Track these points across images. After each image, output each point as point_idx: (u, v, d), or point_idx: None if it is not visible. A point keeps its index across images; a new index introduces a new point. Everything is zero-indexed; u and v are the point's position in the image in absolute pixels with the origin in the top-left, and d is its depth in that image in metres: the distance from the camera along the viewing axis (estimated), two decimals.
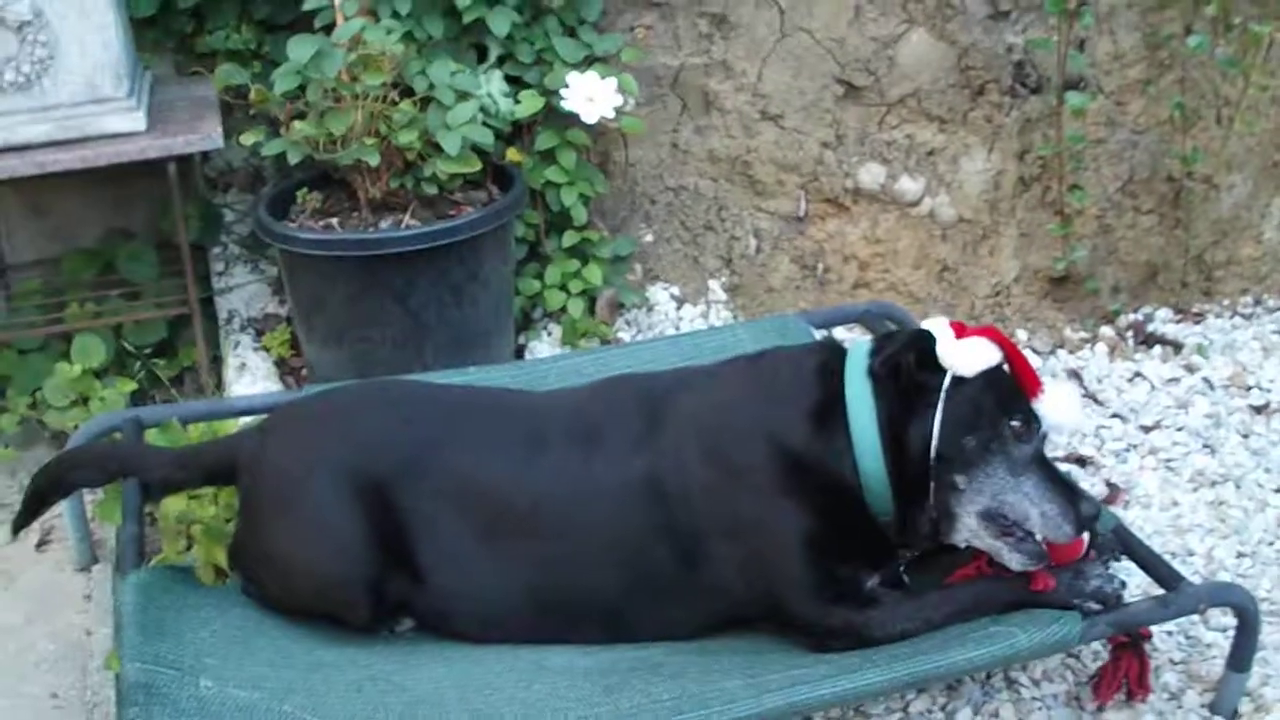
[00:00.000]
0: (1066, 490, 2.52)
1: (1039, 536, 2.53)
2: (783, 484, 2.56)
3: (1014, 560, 2.54)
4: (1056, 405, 2.58)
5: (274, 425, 2.83)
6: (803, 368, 2.66)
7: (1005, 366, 2.59)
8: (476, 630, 2.68)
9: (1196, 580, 2.94)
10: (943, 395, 2.50)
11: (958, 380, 2.52)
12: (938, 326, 2.58)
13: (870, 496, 2.56)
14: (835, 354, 2.67)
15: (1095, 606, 2.56)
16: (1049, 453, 2.63)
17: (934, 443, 2.50)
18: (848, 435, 2.55)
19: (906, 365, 2.53)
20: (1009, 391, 2.56)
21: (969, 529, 2.55)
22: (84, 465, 2.91)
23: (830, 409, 2.58)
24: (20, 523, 2.93)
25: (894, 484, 2.54)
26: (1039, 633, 2.47)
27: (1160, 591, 2.65)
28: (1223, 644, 2.84)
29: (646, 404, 2.70)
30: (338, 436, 2.71)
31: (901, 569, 2.68)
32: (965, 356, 2.52)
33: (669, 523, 2.60)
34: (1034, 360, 4.04)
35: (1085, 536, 2.61)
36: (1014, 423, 2.52)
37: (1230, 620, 2.82)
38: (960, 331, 2.58)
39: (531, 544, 2.64)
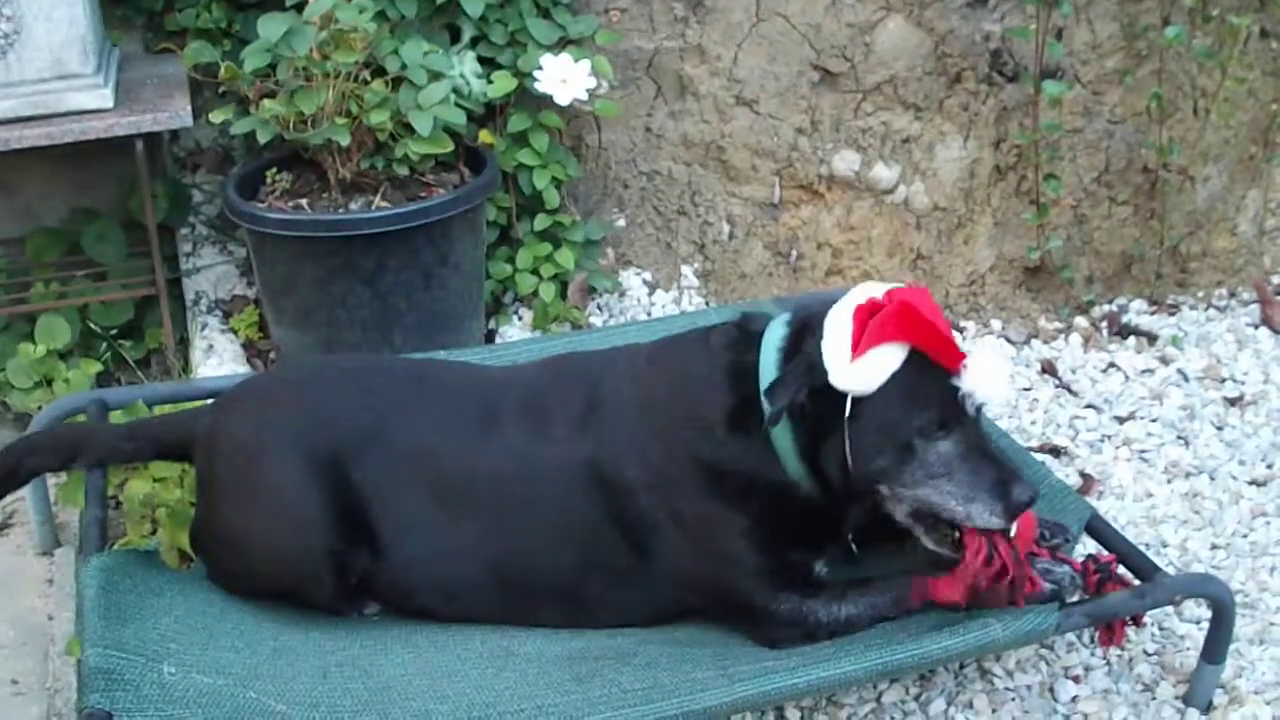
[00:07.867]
0: (996, 477, 2.43)
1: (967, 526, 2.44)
2: (716, 488, 2.53)
3: (928, 542, 2.50)
4: (980, 378, 2.44)
5: (229, 400, 2.80)
6: (717, 368, 2.57)
7: (916, 356, 2.41)
8: (438, 606, 2.65)
9: (1171, 571, 2.94)
10: (845, 423, 2.41)
11: (859, 400, 2.40)
12: (839, 328, 2.42)
13: (804, 491, 2.52)
14: (747, 348, 2.56)
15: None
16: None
17: (849, 466, 2.44)
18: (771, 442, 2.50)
19: (802, 405, 2.44)
20: (919, 394, 2.41)
21: (905, 523, 2.50)
22: (38, 451, 2.86)
23: (749, 415, 2.51)
24: None
25: (822, 489, 2.51)
26: (1015, 623, 2.45)
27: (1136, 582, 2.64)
28: (1196, 636, 2.83)
29: (585, 386, 2.66)
30: (294, 409, 2.68)
31: (850, 537, 2.63)
32: (860, 378, 2.40)
33: (615, 510, 2.58)
34: (1007, 350, 4.03)
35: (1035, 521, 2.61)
36: (925, 427, 2.41)
37: (1204, 612, 2.82)
38: (866, 316, 2.42)
39: (488, 520, 2.62)
